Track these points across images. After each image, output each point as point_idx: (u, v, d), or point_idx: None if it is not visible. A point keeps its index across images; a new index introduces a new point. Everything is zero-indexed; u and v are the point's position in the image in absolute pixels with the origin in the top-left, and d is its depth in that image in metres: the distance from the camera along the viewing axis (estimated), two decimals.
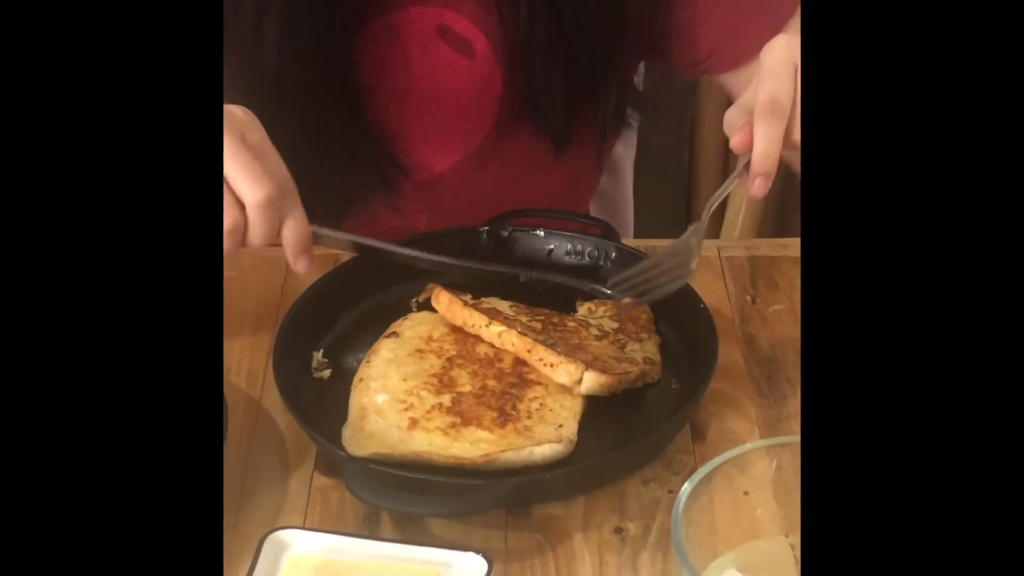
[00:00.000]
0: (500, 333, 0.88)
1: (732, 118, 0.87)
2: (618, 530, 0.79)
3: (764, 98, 0.83)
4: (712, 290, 1.00)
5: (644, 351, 0.91)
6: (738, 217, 1.44)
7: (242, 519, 0.80)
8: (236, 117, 0.83)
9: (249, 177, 0.81)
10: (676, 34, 1.05)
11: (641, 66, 1.15)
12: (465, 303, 0.91)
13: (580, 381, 0.84)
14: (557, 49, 1.02)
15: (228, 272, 1.02)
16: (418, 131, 1.08)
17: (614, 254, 1.00)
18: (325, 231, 0.92)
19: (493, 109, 1.07)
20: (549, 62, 1.03)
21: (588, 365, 0.85)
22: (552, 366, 0.85)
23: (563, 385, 0.86)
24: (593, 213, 1.22)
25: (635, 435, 0.85)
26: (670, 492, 0.81)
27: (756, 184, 0.84)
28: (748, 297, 1.00)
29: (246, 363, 0.94)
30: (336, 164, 1.05)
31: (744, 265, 1.04)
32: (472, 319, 0.90)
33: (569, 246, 1.01)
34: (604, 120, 1.08)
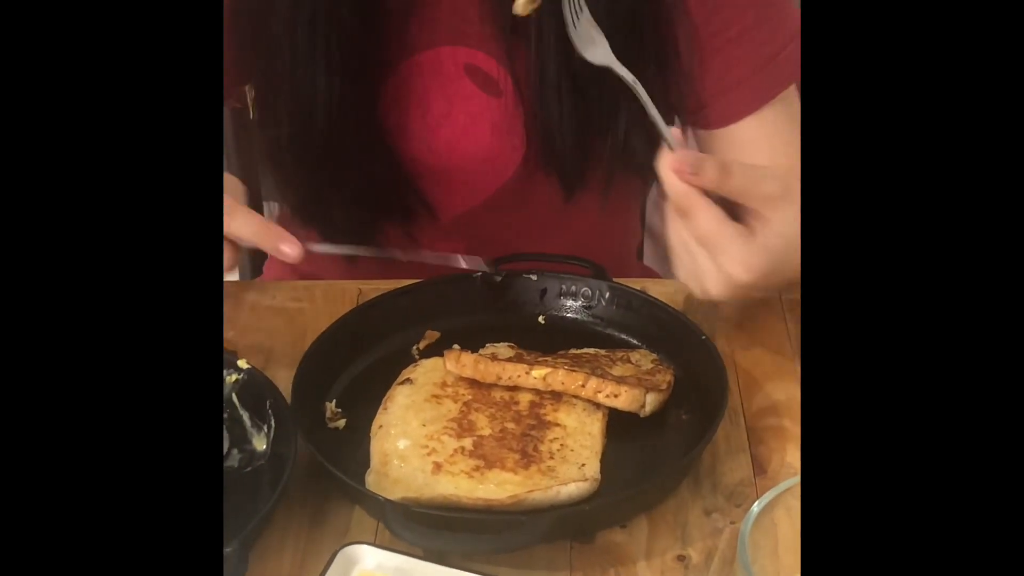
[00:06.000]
0: (545, 375, 0.89)
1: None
2: (681, 558, 0.80)
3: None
4: (773, 331, 1.01)
5: (636, 367, 0.93)
6: None
7: (315, 534, 0.82)
8: None
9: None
10: (675, 81, 1.04)
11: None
12: (493, 358, 0.91)
13: (644, 404, 0.87)
14: (565, 87, 1.01)
15: (301, 303, 1.06)
16: (444, 170, 1.09)
17: (607, 293, 1.00)
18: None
19: (518, 150, 1.08)
20: (559, 101, 1.02)
21: (647, 388, 0.87)
22: (616, 396, 0.87)
23: (581, 425, 0.87)
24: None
25: (655, 469, 0.86)
26: (732, 523, 0.82)
27: None
28: None
29: None
30: (353, 182, 1.06)
31: None
32: (507, 371, 0.89)
33: (563, 287, 1.02)
34: (611, 157, 1.06)
